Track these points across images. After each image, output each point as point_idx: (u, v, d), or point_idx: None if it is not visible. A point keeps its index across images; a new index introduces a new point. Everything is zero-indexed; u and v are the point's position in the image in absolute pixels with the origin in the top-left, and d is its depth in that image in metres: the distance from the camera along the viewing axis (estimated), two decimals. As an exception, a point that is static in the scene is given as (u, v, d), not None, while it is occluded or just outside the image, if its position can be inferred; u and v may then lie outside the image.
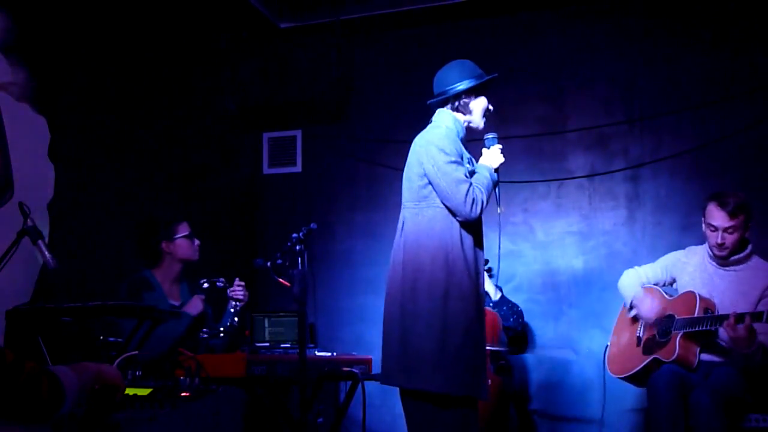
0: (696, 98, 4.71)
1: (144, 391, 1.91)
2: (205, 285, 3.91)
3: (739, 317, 3.36)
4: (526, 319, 4.68)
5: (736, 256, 3.66)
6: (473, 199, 2.94)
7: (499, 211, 3.08)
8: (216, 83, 5.23)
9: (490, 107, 3.21)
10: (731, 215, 3.58)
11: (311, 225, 3.23)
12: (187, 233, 3.94)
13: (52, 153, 3.70)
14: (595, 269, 4.80)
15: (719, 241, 3.61)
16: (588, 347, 4.72)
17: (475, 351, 2.94)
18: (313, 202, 5.45)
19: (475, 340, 2.95)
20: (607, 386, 4.15)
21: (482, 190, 3.01)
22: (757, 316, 3.35)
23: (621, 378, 3.82)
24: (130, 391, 1.87)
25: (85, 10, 3.97)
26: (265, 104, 5.35)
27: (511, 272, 4.85)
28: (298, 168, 5.56)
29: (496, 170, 3.15)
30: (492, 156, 3.17)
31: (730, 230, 3.59)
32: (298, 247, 3.10)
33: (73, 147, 3.87)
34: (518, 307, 4.60)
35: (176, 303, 3.92)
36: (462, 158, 3.05)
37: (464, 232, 3.01)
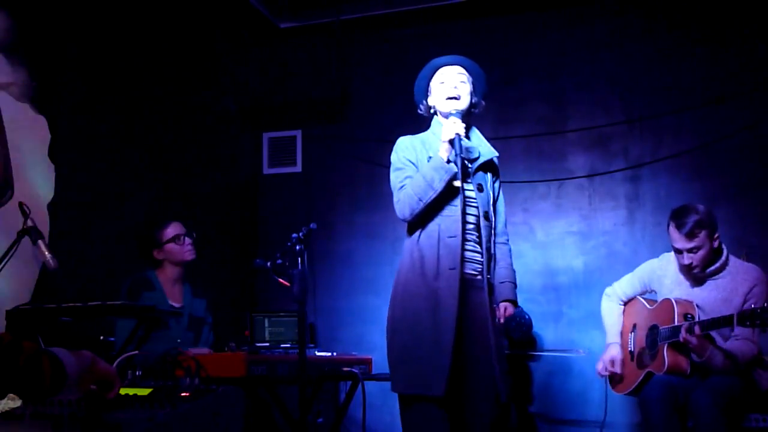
0: (696, 98, 4.71)
1: (144, 391, 1.90)
2: None
3: (689, 327, 3.34)
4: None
5: (712, 268, 3.56)
6: (398, 201, 3.05)
7: (456, 184, 2.93)
8: (216, 83, 5.24)
9: (443, 85, 3.11)
10: (689, 236, 3.46)
11: (311, 225, 3.22)
12: (174, 235, 3.92)
13: (52, 153, 3.70)
14: (596, 270, 4.80)
15: (686, 262, 3.52)
16: (588, 348, 4.72)
17: (425, 349, 2.93)
18: (313, 202, 5.45)
19: (424, 338, 2.93)
20: (608, 396, 4.14)
21: (412, 190, 2.98)
22: (706, 324, 3.33)
23: (623, 394, 3.82)
24: (130, 391, 1.87)
25: (86, 10, 3.97)
26: (265, 104, 5.35)
27: (511, 272, 4.86)
28: (298, 168, 5.56)
29: (451, 142, 2.95)
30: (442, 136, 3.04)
31: (693, 250, 3.49)
32: (298, 247, 3.09)
33: (73, 147, 3.87)
34: (527, 317, 4.60)
35: (177, 305, 3.92)
36: (416, 161, 3.07)
37: (426, 232, 3.02)
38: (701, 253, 3.50)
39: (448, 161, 2.96)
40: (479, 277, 3.03)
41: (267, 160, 5.62)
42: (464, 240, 3.01)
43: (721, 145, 4.64)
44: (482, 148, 3.18)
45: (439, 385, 2.86)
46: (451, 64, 3.13)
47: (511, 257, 3.26)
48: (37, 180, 3.60)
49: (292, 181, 5.56)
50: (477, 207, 3.04)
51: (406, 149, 3.13)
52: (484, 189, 3.09)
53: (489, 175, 3.17)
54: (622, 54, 4.91)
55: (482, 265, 3.04)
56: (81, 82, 3.98)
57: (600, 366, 3.80)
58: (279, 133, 5.61)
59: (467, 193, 3.05)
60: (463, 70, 3.13)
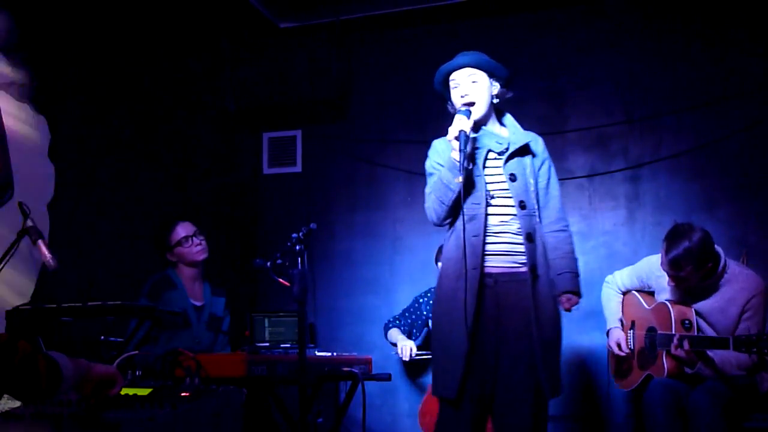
0: (696, 98, 4.71)
1: (144, 391, 1.91)
2: None
3: (680, 342, 3.35)
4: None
5: (705, 284, 3.51)
6: (427, 207, 3.05)
7: (456, 180, 2.89)
8: (216, 83, 5.24)
9: (456, 90, 3.09)
10: (673, 266, 3.40)
11: (311, 225, 3.22)
12: (182, 237, 3.93)
13: (52, 153, 3.71)
14: (596, 269, 4.78)
15: (672, 284, 3.53)
16: (588, 347, 4.72)
17: (441, 351, 2.98)
18: (313, 202, 5.45)
19: (442, 340, 2.97)
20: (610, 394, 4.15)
21: (435, 194, 3.00)
22: (699, 342, 3.33)
23: (626, 391, 3.83)
24: (130, 391, 1.87)
25: (86, 10, 3.97)
26: (265, 104, 5.35)
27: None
28: (298, 168, 5.56)
29: (457, 138, 2.90)
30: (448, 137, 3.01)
31: (676, 279, 3.47)
32: (298, 247, 3.09)
33: (73, 147, 3.88)
34: None
35: (198, 303, 3.95)
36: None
37: (455, 233, 3.00)
38: (692, 278, 3.46)
39: (469, 162, 2.94)
40: (523, 269, 2.95)
41: (267, 160, 5.62)
42: (489, 234, 2.95)
43: (721, 145, 4.64)
44: (516, 136, 3.12)
45: (452, 386, 2.88)
46: (460, 67, 3.08)
47: (570, 244, 3.11)
48: (37, 180, 3.60)
49: (292, 181, 5.56)
50: (511, 197, 2.99)
51: (436, 153, 3.10)
52: (519, 177, 3.01)
53: (528, 160, 3.08)
54: (622, 54, 4.91)
55: (525, 255, 2.95)
56: (81, 82, 3.98)
57: (613, 349, 3.80)
58: (279, 133, 5.61)
59: (496, 185, 3.00)
60: (473, 71, 3.08)
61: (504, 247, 2.97)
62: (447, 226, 3.08)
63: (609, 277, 3.98)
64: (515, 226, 2.96)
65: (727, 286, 3.51)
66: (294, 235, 3.12)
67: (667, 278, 3.67)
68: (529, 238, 2.95)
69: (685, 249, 3.36)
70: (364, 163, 5.37)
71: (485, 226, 2.95)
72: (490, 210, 2.97)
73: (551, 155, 4.94)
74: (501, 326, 2.93)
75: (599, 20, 4.98)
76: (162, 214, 4.28)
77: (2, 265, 2.84)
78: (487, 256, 2.95)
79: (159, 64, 4.60)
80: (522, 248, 2.95)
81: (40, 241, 2.88)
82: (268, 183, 5.63)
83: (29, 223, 2.88)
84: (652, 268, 3.78)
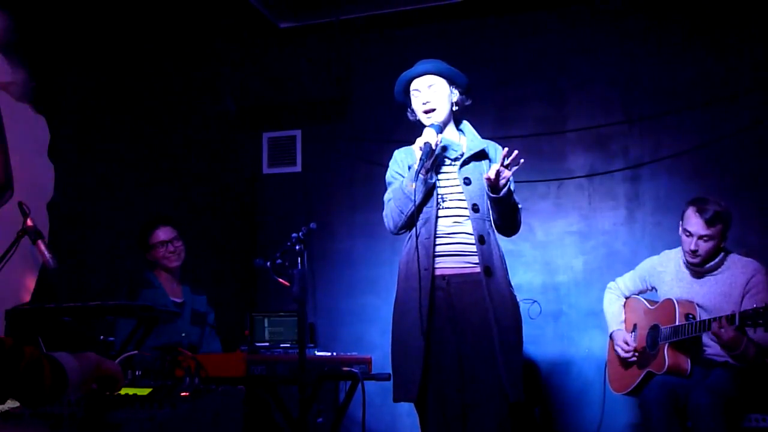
0: (696, 98, 4.71)
1: (144, 391, 1.90)
2: None
3: (730, 318, 3.32)
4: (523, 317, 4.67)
5: (711, 264, 3.59)
6: (385, 215, 3.13)
7: (409, 187, 2.98)
8: (216, 83, 5.24)
9: (416, 99, 3.17)
10: (708, 223, 3.50)
11: (311, 225, 3.22)
12: (158, 241, 3.95)
13: (52, 153, 3.70)
14: (595, 269, 4.81)
15: (692, 248, 3.54)
16: (588, 347, 4.72)
17: (398, 355, 3.03)
18: (313, 202, 5.45)
19: (399, 344, 3.03)
20: (606, 397, 4.15)
21: (394, 204, 3.06)
22: (729, 319, 3.31)
23: (622, 394, 3.82)
24: (129, 390, 1.87)
25: (86, 10, 3.97)
26: (265, 104, 5.36)
27: (511, 272, 4.84)
28: (298, 168, 5.56)
29: (421, 149, 3.00)
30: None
31: (705, 238, 3.52)
32: (297, 247, 3.10)
33: (73, 147, 3.88)
34: None
35: (178, 300, 3.96)
36: (405, 174, 3.11)
37: (411, 236, 3.07)
38: (710, 244, 3.53)
39: (428, 172, 3.01)
40: (477, 269, 3.01)
41: (267, 160, 5.62)
42: (441, 236, 3.02)
43: (721, 145, 4.64)
44: (473, 142, 3.19)
45: (412, 389, 2.93)
46: (420, 75, 3.16)
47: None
48: (37, 180, 3.60)
49: (291, 180, 5.56)
50: (465, 200, 3.06)
51: (395, 163, 3.20)
52: (473, 182, 3.09)
53: (485, 166, 3.13)
54: (622, 54, 4.91)
55: (479, 255, 3.01)
56: (81, 82, 3.98)
57: (620, 352, 3.78)
58: (279, 133, 5.62)
59: (449, 189, 3.08)
60: (433, 79, 3.15)
61: (456, 248, 3.04)
62: (404, 235, 3.14)
63: (611, 284, 4.00)
64: (468, 227, 3.03)
65: (728, 272, 3.58)
66: (294, 235, 3.12)
67: (669, 273, 3.70)
68: (482, 240, 3.01)
69: (715, 211, 3.51)
70: (364, 163, 5.37)
71: (436, 228, 3.02)
72: (442, 213, 3.05)
73: (551, 155, 5.00)
74: (458, 327, 2.98)
75: (599, 20, 4.98)
76: (162, 214, 4.28)
77: (2, 265, 2.84)
78: (438, 258, 3.02)
79: (159, 64, 4.60)
80: (474, 248, 3.01)
81: (39, 241, 2.88)
82: (268, 183, 5.63)
83: (29, 223, 2.89)
84: (653, 265, 3.84)
